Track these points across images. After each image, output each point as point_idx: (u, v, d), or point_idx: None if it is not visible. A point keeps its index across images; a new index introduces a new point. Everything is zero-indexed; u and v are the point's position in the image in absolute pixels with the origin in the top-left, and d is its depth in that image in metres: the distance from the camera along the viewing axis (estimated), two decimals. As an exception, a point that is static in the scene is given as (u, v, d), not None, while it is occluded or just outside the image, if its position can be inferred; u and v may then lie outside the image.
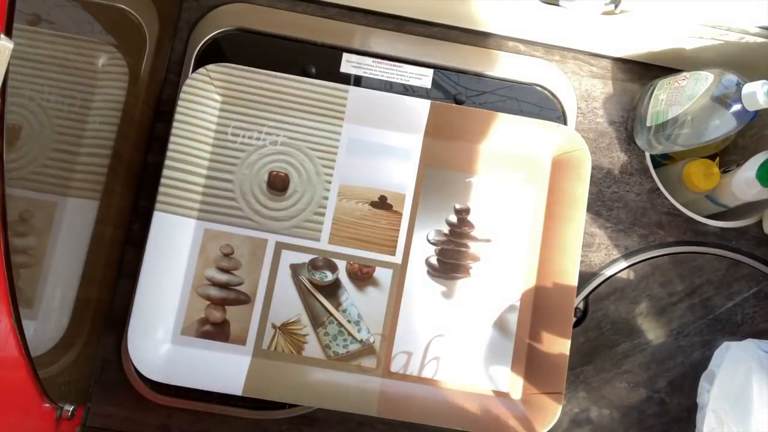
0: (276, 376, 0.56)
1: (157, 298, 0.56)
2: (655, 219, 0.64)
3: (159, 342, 0.56)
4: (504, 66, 0.65)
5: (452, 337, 0.59)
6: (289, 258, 0.59)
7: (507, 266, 0.60)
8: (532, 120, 0.60)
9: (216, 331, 0.57)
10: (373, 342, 0.58)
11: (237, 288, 0.58)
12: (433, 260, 0.60)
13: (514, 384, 0.59)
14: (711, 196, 0.65)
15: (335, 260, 0.59)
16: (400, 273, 0.59)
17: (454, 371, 0.58)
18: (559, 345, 0.57)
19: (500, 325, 0.60)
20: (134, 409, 0.59)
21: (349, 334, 0.58)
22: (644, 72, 0.66)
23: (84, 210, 0.52)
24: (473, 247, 0.60)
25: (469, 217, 0.61)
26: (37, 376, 0.44)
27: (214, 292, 0.58)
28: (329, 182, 0.60)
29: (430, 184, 0.61)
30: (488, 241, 0.60)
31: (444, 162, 0.61)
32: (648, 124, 0.60)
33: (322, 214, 0.59)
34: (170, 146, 0.57)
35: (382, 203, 0.60)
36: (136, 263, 0.57)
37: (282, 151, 0.60)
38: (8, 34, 0.32)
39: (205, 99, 0.59)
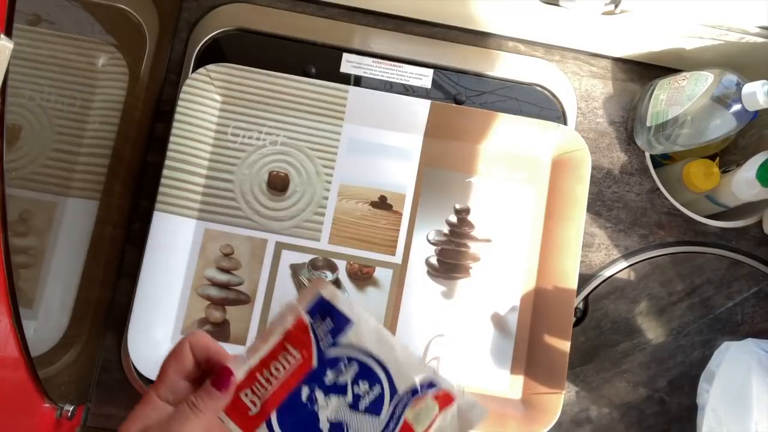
0: (276, 376, 0.56)
1: (157, 298, 0.56)
2: (655, 219, 0.64)
3: (159, 342, 0.56)
4: (504, 66, 0.65)
5: (452, 337, 0.59)
6: (289, 258, 0.59)
7: (507, 266, 0.60)
8: (532, 120, 0.60)
9: (216, 331, 0.57)
10: (373, 342, 0.58)
11: (237, 288, 0.58)
12: (433, 260, 0.60)
13: (514, 384, 0.59)
14: (711, 196, 0.65)
15: (335, 260, 0.59)
16: (400, 273, 0.59)
17: (454, 371, 0.58)
18: (559, 345, 0.57)
19: (500, 325, 0.60)
20: (134, 409, 0.59)
21: (349, 334, 0.58)
22: (644, 72, 0.66)
23: (84, 210, 0.52)
24: (473, 247, 0.60)
25: (469, 217, 0.61)
26: (37, 376, 0.44)
27: (214, 292, 0.58)
28: (329, 182, 0.60)
29: (430, 184, 0.61)
30: (488, 241, 0.60)
31: (444, 162, 0.61)
32: (648, 124, 0.60)
33: (322, 214, 0.59)
34: (170, 146, 0.57)
35: (382, 203, 0.60)
36: (136, 263, 0.57)
37: (282, 151, 0.60)
38: (8, 34, 0.32)
39: (205, 99, 0.59)
